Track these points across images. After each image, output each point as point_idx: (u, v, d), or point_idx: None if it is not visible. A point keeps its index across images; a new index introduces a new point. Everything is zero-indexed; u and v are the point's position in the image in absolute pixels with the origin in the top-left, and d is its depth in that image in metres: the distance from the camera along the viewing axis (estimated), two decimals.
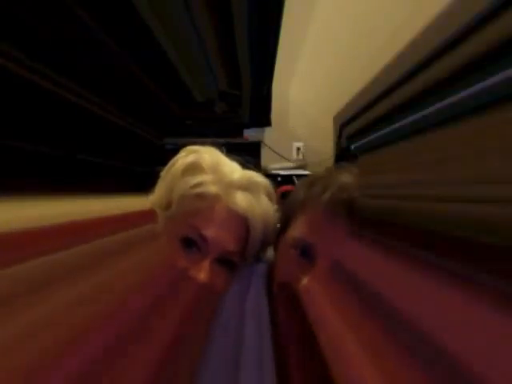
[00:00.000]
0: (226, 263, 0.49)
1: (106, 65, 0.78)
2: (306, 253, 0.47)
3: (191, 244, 0.47)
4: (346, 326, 0.36)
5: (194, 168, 0.50)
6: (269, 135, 1.77)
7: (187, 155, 0.52)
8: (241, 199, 0.49)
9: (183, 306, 0.42)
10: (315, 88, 1.78)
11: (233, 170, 0.52)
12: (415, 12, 0.72)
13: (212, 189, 0.48)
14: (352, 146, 1.12)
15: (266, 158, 1.70)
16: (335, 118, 1.60)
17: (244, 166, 0.56)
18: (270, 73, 1.35)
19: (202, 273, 0.45)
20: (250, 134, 1.68)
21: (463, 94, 0.45)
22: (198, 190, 0.47)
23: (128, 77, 0.89)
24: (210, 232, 0.46)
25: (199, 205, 0.47)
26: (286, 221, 0.53)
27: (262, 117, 1.64)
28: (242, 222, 0.49)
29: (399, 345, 0.30)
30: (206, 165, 0.50)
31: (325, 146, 1.70)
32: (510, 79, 0.37)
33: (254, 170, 0.56)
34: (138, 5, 0.70)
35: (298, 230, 0.50)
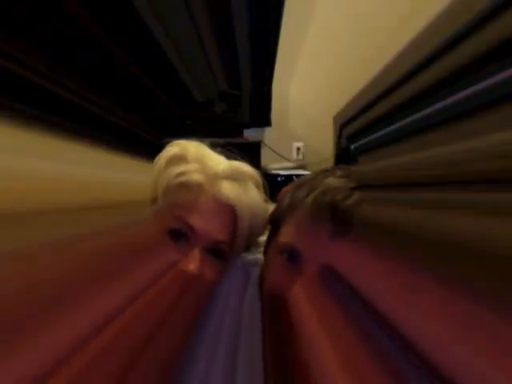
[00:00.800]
0: (216, 253, 0.49)
1: (106, 65, 0.78)
2: (294, 258, 0.47)
3: (179, 235, 0.46)
4: (329, 333, 0.37)
5: (178, 159, 0.49)
6: (269, 135, 1.77)
7: (172, 148, 0.51)
8: (227, 188, 0.48)
9: (173, 298, 0.42)
10: (315, 88, 1.78)
11: (219, 161, 0.51)
12: (415, 12, 0.72)
13: (196, 177, 0.47)
14: (352, 146, 1.12)
15: (266, 158, 1.70)
16: (335, 118, 1.60)
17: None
18: (270, 73, 1.35)
19: (192, 263, 0.45)
20: (250, 134, 1.68)
21: (463, 93, 0.45)
22: (182, 178, 0.47)
23: (128, 77, 0.89)
24: (197, 222, 0.46)
25: (184, 195, 0.47)
26: (275, 225, 0.53)
27: (262, 117, 1.64)
28: (229, 210, 0.49)
29: (381, 351, 0.30)
30: (191, 156, 0.49)
31: (325, 146, 1.70)
32: (510, 79, 0.37)
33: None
34: (137, 5, 0.70)
35: (284, 235, 0.50)
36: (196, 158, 0.49)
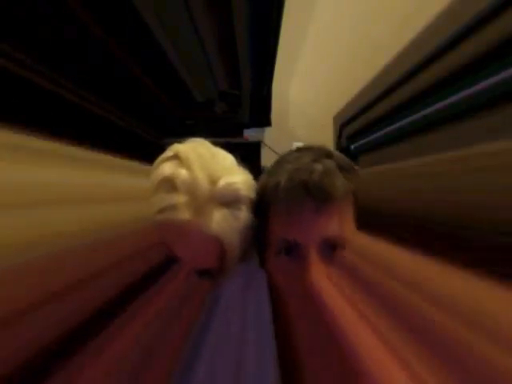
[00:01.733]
0: (205, 273, 0.48)
1: (106, 65, 0.78)
2: (292, 250, 0.47)
3: (167, 257, 0.45)
4: (364, 316, 0.37)
5: (166, 185, 0.46)
6: (269, 135, 1.77)
7: (166, 161, 0.49)
8: (216, 219, 0.46)
9: (161, 317, 0.41)
10: (315, 88, 1.78)
11: (219, 170, 0.48)
12: (415, 12, 0.72)
13: (182, 214, 0.45)
14: (352, 146, 1.12)
15: (266, 158, 1.70)
16: (335, 118, 1.60)
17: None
18: (270, 73, 1.35)
19: (180, 283, 0.44)
20: (250, 134, 1.68)
21: (463, 94, 0.45)
22: (169, 214, 0.45)
23: (128, 77, 0.89)
24: (182, 253, 0.45)
25: (171, 224, 0.45)
26: (261, 220, 0.51)
27: (262, 117, 1.64)
28: (217, 242, 0.47)
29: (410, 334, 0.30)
30: (181, 181, 0.46)
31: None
32: (510, 79, 0.37)
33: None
34: (137, 5, 0.70)
35: (273, 232, 0.49)
36: (185, 184, 0.46)
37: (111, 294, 0.33)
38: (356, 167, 0.55)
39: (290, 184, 0.47)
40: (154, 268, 0.43)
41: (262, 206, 0.51)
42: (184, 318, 0.45)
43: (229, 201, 0.48)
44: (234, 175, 0.49)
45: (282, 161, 0.53)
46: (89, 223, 0.34)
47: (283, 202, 0.47)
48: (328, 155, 0.51)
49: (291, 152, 0.55)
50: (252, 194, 0.51)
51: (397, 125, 0.64)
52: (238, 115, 1.53)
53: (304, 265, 0.45)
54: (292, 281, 0.46)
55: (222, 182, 0.47)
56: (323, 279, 0.44)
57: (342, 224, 0.47)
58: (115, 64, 0.81)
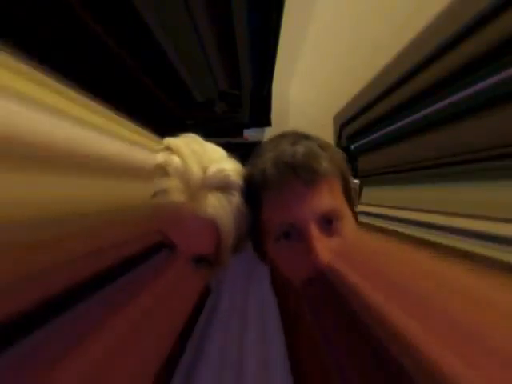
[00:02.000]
0: (202, 261, 0.48)
1: (106, 65, 0.78)
2: (290, 234, 0.47)
3: (163, 245, 0.45)
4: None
5: (160, 171, 0.47)
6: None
7: (160, 151, 0.50)
8: (210, 203, 0.47)
9: (159, 306, 0.41)
10: (315, 88, 1.78)
11: (209, 160, 0.49)
12: (415, 12, 0.72)
13: (176, 197, 0.45)
14: (352, 146, 1.12)
15: None
16: (335, 118, 1.60)
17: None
18: (270, 73, 1.35)
19: (177, 272, 0.44)
20: (249, 134, 1.68)
21: (463, 93, 0.45)
22: (162, 197, 0.45)
23: (128, 77, 0.89)
24: (177, 239, 0.45)
25: (166, 209, 0.45)
26: (252, 213, 0.52)
27: (262, 117, 1.64)
28: (212, 225, 0.47)
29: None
30: (173, 167, 0.47)
31: None
32: (510, 79, 0.37)
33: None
34: (137, 5, 0.70)
35: (267, 219, 0.49)
36: (177, 170, 0.47)
37: (103, 278, 0.33)
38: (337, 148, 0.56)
39: (275, 170, 0.48)
40: (149, 254, 0.43)
41: (251, 197, 0.51)
42: (178, 306, 0.45)
43: (220, 186, 0.48)
44: (224, 163, 0.51)
45: (261, 151, 0.53)
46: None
47: (273, 189, 0.48)
48: (305, 137, 0.52)
49: (267, 142, 0.56)
50: (242, 182, 0.52)
51: (397, 125, 0.64)
52: (238, 115, 1.53)
53: (307, 242, 0.45)
54: (297, 262, 0.46)
55: (212, 168, 0.48)
56: (328, 252, 0.44)
57: (333, 198, 0.48)
58: (115, 64, 0.81)
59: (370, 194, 0.85)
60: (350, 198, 0.53)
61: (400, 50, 0.68)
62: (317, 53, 1.73)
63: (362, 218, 0.72)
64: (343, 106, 1.33)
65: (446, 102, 0.48)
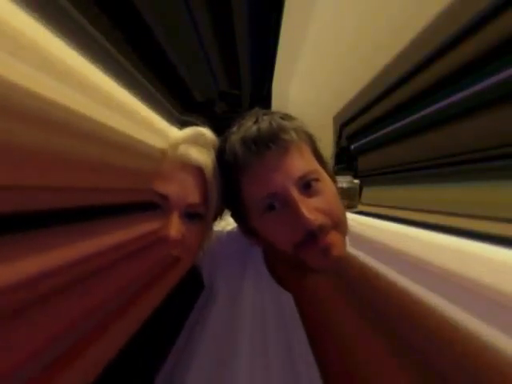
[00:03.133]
0: (194, 217, 0.49)
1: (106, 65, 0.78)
2: (274, 205, 0.48)
3: (154, 206, 0.46)
4: None
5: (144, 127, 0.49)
6: None
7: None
8: (190, 150, 0.49)
9: (157, 265, 0.42)
10: (315, 88, 1.78)
11: (179, 131, 0.52)
12: (416, 12, 0.72)
13: (158, 144, 0.47)
14: (352, 146, 1.12)
15: None
16: (335, 118, 1.60)
17: None
18: (270, 73, 1.35)
19: (172, 229, 0.45)
20: None
21: (463, 93, 0.45)
22: (144, 148, 0.46)
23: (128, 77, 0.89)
24: (167, 189, 0.46)
25: (149, 164, 0.46)
26: (231, 195, 0.53)
27: None
28: (197, 172, 0.49)
29: None
30: (153, 128, 0.49)
31: (325, 146, 1.70)
32: (510, 79, 0.37)
33: None
34: (138, 4, 0.70)
35: (249, 196, 0.50)
36: (160, 129, 0.50)
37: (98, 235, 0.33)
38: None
39: (245, 148, 0.49)
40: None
41: (227, 181, 0.52)
42: (174, 271, 0.45)
43: (200, 141, 0.51)
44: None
45: (226, 136, 0.55)
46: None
47: (247, 167, 0.49)
48: (264, 114, 0.54)
49: (229, 128, 0.57)
50: (216, 141, 0.55)
51: (397, 125, 0.64)
52: (238, 115, 1.53)
53: (292, 207, 0.46)
54: (287, 228, 0.47)
55: (189, 127, 0.52)
56: (314, 211, 0.46)
57: (305, 161, 0.50)
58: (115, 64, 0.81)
59: (370, 193, 0.85)
60: (322, 160, 0.56)
61: (400, 49, 0.68)
62: (317, 53, 1.73)
63: (362, 218, 0.72)
64: (343, 106, 1.33)
65: (446, 102, 0.48)
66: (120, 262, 0.36)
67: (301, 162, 0.49)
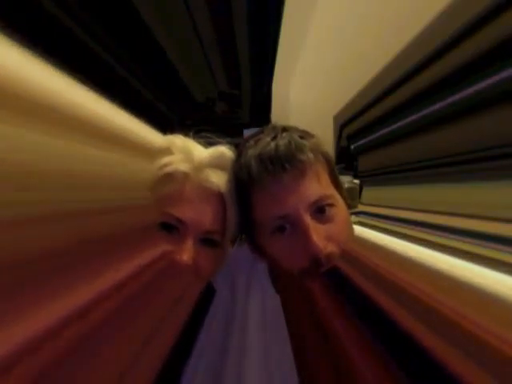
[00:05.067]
0: (209, 243, 0.48)
1: (106, 65, 0.78)
2: (285, 227, 0.47)
3: (171, 228, 0.46)
4: None
5: (163, 151, 0.49)
6: None
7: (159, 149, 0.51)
8: (213, 176, 0.49)
9: (167, 288, 0.41)
10: (315, 88, 1.78)
11: (204, 151, 0.52)
12: (416, 12, 0.72)
13: (181, 167, 0.47)
14: (352, 146, 1.12)
15: None
16: (335, 118, 1.60)
17: None
18: (270, 73, 1.35)
19: (186, 254, 0.44)
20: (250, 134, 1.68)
21: (463, 93, 0.45)
22: (167, 169, 0.46)
23: (127, 76, 0.89)
24: (185, 214, 0.45)
25: (170, 187, 0.46)
26: (242, 210, 0.52)
27: (262, 117, 1.64)
28: (217, 198, 0.49)
29: None
30: (176, 147, 0.49)
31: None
32: (510, 79, 0.37)
33: None
34: (137, 4, 0.70)
35: (260, 215, 0.49)
36: (181, 148, 0.49)
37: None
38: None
39: (260, 166, 0.48)
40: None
41: (240, 196, 0.51)
42: (185, 296, 0.45)
43: (220, 164, 0.51)
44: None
45: (242, 149, 0.53)
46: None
47: (261, 185, 0.48)
48: (283, 130, 0.53)
49: (246, 139, 0.56)
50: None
51: (397, 125, 0.64)
52: (238, 115, 1.53)
53: (302, 233, 0.45)
54: (295, 253, 0.46)
55: (211, 149, 0.52)
56: (324, 239, 0.45)
57: (321, 185, 0.48)
58: (115, 64, 0.81)
59: (370, 193, 0.85)
60: (338, 182, 0.54)
61: (400, 50, 0.68)
62: (317, 53, 1.73)
63: (362, 218, 0.71)
64: (343, 106, 1.33)
65: (446, 102, 0.48)
66: (135, 292, 0.36)
67: (316, 186, 0.47)
